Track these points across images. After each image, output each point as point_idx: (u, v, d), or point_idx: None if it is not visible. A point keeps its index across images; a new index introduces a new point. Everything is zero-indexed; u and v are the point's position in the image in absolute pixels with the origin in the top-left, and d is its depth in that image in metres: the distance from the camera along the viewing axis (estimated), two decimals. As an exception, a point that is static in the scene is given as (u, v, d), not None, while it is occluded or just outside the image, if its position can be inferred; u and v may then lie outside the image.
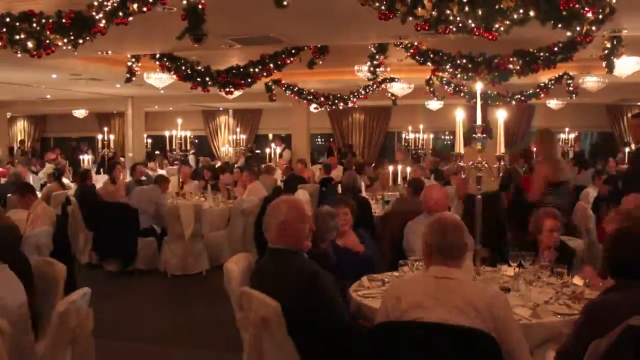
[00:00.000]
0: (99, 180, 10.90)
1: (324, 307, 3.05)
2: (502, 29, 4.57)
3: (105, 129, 14.94)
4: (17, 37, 5.46)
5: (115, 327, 5.67)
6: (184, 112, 17.85)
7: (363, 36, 7.82)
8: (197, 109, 19.32)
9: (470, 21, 4.54)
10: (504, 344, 2.62)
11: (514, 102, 10.66)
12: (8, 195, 8.90)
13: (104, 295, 6.51)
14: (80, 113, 17.77)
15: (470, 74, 7.98)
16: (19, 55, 5.72)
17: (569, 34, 4.92)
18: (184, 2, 5.04)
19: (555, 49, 7.38)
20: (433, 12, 4.50)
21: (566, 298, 3.47)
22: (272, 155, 14.41)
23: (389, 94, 11.63)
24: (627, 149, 12.84)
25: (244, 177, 9.60)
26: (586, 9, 4.37)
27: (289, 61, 8.37)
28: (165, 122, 17.27)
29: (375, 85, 11.00)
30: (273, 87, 10.95)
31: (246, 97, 12.35)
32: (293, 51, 8.29)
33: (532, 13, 4.43)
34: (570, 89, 10.16)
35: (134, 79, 9.14)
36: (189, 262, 7.92)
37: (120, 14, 5.02)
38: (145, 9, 4.99)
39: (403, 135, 16.36)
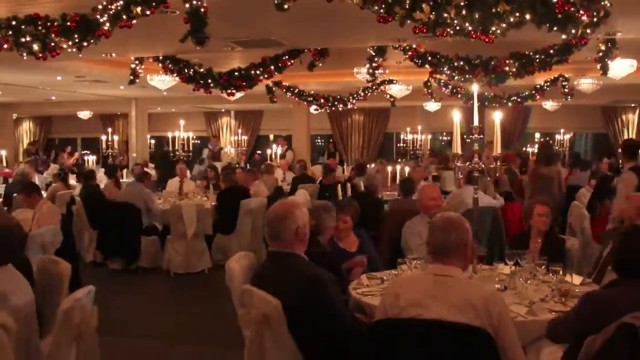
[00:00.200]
0: (103, 180, 11.00)
1: (325, 308, 3.04)
2: (498, 31, 4.59)
3: (110, 130, 14.97)
4: (23, 39, 5.53)
5: (119, 324, 5.73)
6: (187, 114, 17.95)
7: (362, 39, 7.84)
8: (199, 110, 19.32)
9: (467, 24, 4.56)
10: (499, 341, 2.64)
11: (510, 104, 10.73)
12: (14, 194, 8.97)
13: (108, 293, 6.61)
14: (84, 114, 17.80)
15: (467, 76, 8.03)
16: (25, 57, 5.79)
17: (564, 36, 4.95)
18: (187, 5, 5.04)
19: (551, 51, 7.41)
20: (431, 15, 4.51)
21: (557, 295, 3.52)
22: (273, 156, 14.47)
23: (388, 96, 11.66)
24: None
25: (248, 177, 9.64)
26: (581, 12, 4.38)
27: (289, 63, 8.39)
28: (168, 123, 17.41)
29: (374, 87, 11.00)
30: (274, 88, 11.02)
31: (247, 99, 12.38)
32: (293, 54, 8.32)
33: (528, 16, 4.43)
34: (566, 90, 10.20)
35: (137, 80, 9.14)
36: (191, 260, 7.98)
37: (124, 17, 5.05)
38: (148, 12, 5.01)
39: (401, 136, 16.46)
